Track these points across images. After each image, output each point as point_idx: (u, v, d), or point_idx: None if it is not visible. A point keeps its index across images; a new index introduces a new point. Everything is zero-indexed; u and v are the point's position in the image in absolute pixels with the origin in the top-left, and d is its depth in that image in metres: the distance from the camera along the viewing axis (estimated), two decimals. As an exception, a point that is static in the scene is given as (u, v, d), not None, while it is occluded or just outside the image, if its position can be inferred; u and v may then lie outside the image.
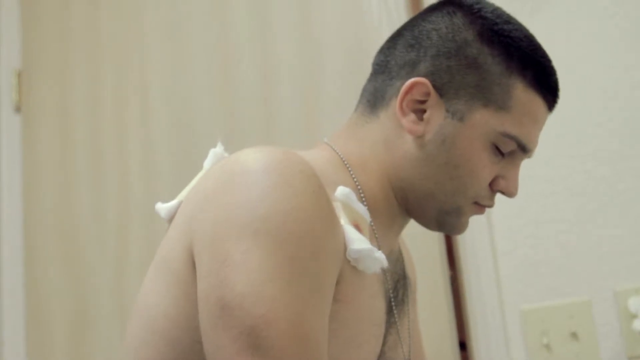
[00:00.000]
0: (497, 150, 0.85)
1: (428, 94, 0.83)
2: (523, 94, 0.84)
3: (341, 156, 0.86)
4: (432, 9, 0.89)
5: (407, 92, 0.84)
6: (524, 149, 0.86)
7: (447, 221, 0.88)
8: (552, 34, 1.63)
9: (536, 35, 1.67)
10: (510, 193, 0.88)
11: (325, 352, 0.65)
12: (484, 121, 0.83)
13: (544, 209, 1.57)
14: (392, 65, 0.88)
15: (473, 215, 0.89)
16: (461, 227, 0.89)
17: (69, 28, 1.98)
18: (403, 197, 0.87)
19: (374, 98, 0.89)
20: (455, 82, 0.83)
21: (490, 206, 0.89)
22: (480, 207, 0.88)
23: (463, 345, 1.69)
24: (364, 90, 0.92)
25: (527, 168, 1.57)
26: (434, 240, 1.64)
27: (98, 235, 1.84)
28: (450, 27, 0.85)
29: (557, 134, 1.59)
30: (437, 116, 0.84)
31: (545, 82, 0.86)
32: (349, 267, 0.74)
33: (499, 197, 1.53)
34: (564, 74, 1.61)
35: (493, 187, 0.87)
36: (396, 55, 0.88)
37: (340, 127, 0.92)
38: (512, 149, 0.85)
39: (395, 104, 0.85)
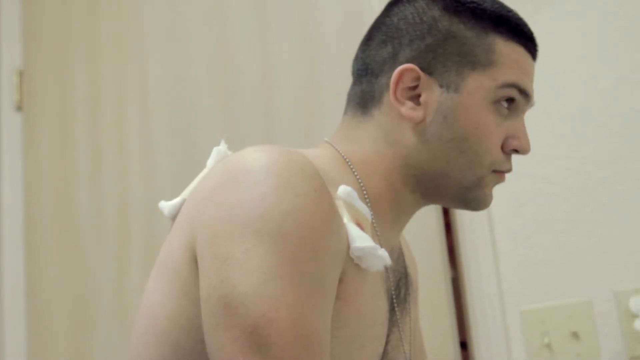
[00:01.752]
0: (499, 110, 0.85)
1: (418, 78, 0.84)
2: (505, 47, 0.85)
3: (343, 155, 0.86)
4: (391, 4, 0.91)
5: (397, 82, 0.84)
6: (525, 95, 0.87)
7: (470, 197, 0.87)
8: (552, 34, 1.63)
9: (537, 36, 1.67)
10: (523, 149, 0.88)
11: (327, 351, 0.65)
12: (478, 84, 0.84)
13: (545, 210, 1.58)
14: (372, 66, 0.88)
15: (495, 185, 0.89)
16: (486, 200, 0.89)
17: (70, 28, 1.99)
18: (417, 183, 0.86)
19: (362, 100, 0.89)
20: (439, 57, 0.84)
21: (509, 170, 0.88)
22: (499, 174, 0.88)
23: (464, 345, 1.70)
24: (350, 95, 0.92)
25: (527, 168, 1.58)
26: (435, 240, 1.64)
27: (98, 234, 1.84)
28: (415, 12, 0.87)
29: (557, 135, 1.59)
30: (433, 95, 0.84)
31: (521, 32, 0.88)
32: (351, 265, 0.74)
33: (499, 198, 1.54)
34: (564, 75, 1.62)
35: (505, 149, 0.87)
36: (373, 56, 0.89)
37: (335, 131, 0.92)
38: (513, 96, 0.85)
39: (388, 98, 0.85)
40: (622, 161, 1.56)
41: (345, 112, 0.92)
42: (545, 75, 1.60)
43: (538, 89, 1.59)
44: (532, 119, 1.49)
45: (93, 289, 1.82)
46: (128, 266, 1.80)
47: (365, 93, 0.89)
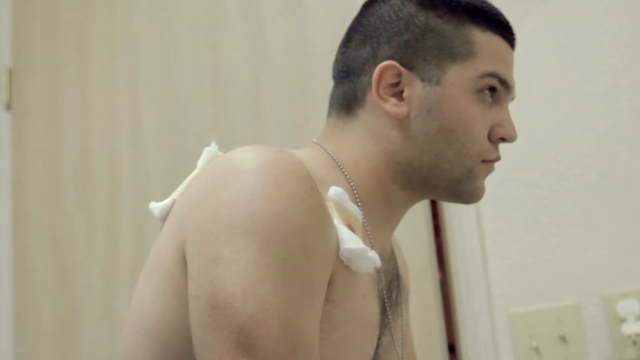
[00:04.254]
0: (483, 99, 0.85)
1: (399, 74, 0.84)
2: (483, 37, 0.86)
3: (332, 155, 0.86)
4: (366, 5, 0.92)
5: (379, 80, 0.85)
6: (506, 85, 0.87)
7: (462, 189, 0.87)
8: (541, 39, 1.64)
9: (525, 40, 1.69)
10: (510, 137, 0.88)
11: (316, 352, 0.65)
12: (459, 75, 0.84)
13: (533, 213, 1.58)
14: (353, 67, 0.89)
15: (487, 176, 0.89)
16: (479, 192, 0.89)
17: (60, 26, 1.98)
18: (407, 180, 0.86)
19: (346, 101, 0.89)
20: (419, 51, 0.85)
21: (498, 158, 0.89)
22: (489, 163, 0.88)
23: (452, 348, 1.70)
24: (332, 98, 0.92)
25: (516, 172, 1.58)
26: (423, 242, 1.65)
27: (87, 234, 1.84)
28: (391, 10, 0.87)
29: (546, 139, 1.60)
30: (415, 90, 0.84)
31: (497, 22, 0.88)
32: (342, 267, 0.74)
33: (487, 201, 1.54)
34: (553, 79, 1.63)
35: (492, 138, 0.87)
36: (353, 57, 0.89)
37: (320, 134, 0.92)
38: (494, 85, 0.85)
39: (371, 97, 0.86)
40: (611, 165, 1.57)
41: (329, 115, 0.92)
42: (534, 79, 1.61)
43: (527, 92, 1.60)
44: (521, 122, 1.50)
45: (81, 289, 1.81)
46: (117, 267, 1.79)
47: (347, 94, 0.89)
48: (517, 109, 1.53)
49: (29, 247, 1.87)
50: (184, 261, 0.71)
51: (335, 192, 0.77)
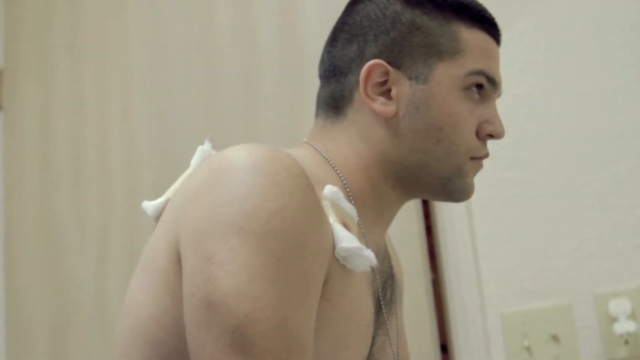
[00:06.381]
0: (470, 97, 0.85)
1: (387, 72, 0.84)
2: (469, 34, 0.86)
3: (324, 154, 0.86)
4: (352, 4, 0.92)
5: (367, 79, 0.84)
6: (493, 82, 0.87)
7: (452, 187, 0.87)
8: (531, 38, 1.64)
9: (516, 43, 1.69)
10: (498, 133, 0.88)
11: (310, 351, 0.65)
12: (446, 73, 0.84)
13: (525, 213, 1.58)
14: (340, 66, 0.88)
15: (476, 174, 0.89)
16: (469, 190, 0.89)
17: (51, 27, 1.97)
18: (397, 179, 0.86)
19: (333, 101, 0.89)
20: (406, 49, 0.84)
21: (486, 156, 0.89)
22: (478, 160, 0.88)
23: (444, 348, 1.70)
24: (319, 97, 0.92)
25: (508, 171, 1.59)
26: (415, 242, 1.65)
27: (79, 234, 1.83)
28: (377, 8, 0.87)
29: (539, 139, 1.60)
30: (403, 88, 0.84)
31: (483, 18, 0.88)
32: (337, 265, 0.74)
33: (479, 201, 1.55)
34: (544, 81, 1.63)
35: (481, 135, 0.87)
36: (340, 56, 0.89)
37: (309, 134, 0.91)
38: (481, 82, 0.86)
39: (359, 96, 0.86)
40: (603, 165, 1.57)
41: (317, 115, 0.92)
42: (525, 79, 1.62)
43: (518, 92, 1.61)
44: (512, 122, 1.50)
45: (73, 289, 1.81)
46: (109, 267, 1.79)
47: (335, 93, 0.89)
48: (508, 109, 1.53)
49: (20, 247, 1.87)
50: (178, 261, 0.71)
51: (330, 190, 0.76)
